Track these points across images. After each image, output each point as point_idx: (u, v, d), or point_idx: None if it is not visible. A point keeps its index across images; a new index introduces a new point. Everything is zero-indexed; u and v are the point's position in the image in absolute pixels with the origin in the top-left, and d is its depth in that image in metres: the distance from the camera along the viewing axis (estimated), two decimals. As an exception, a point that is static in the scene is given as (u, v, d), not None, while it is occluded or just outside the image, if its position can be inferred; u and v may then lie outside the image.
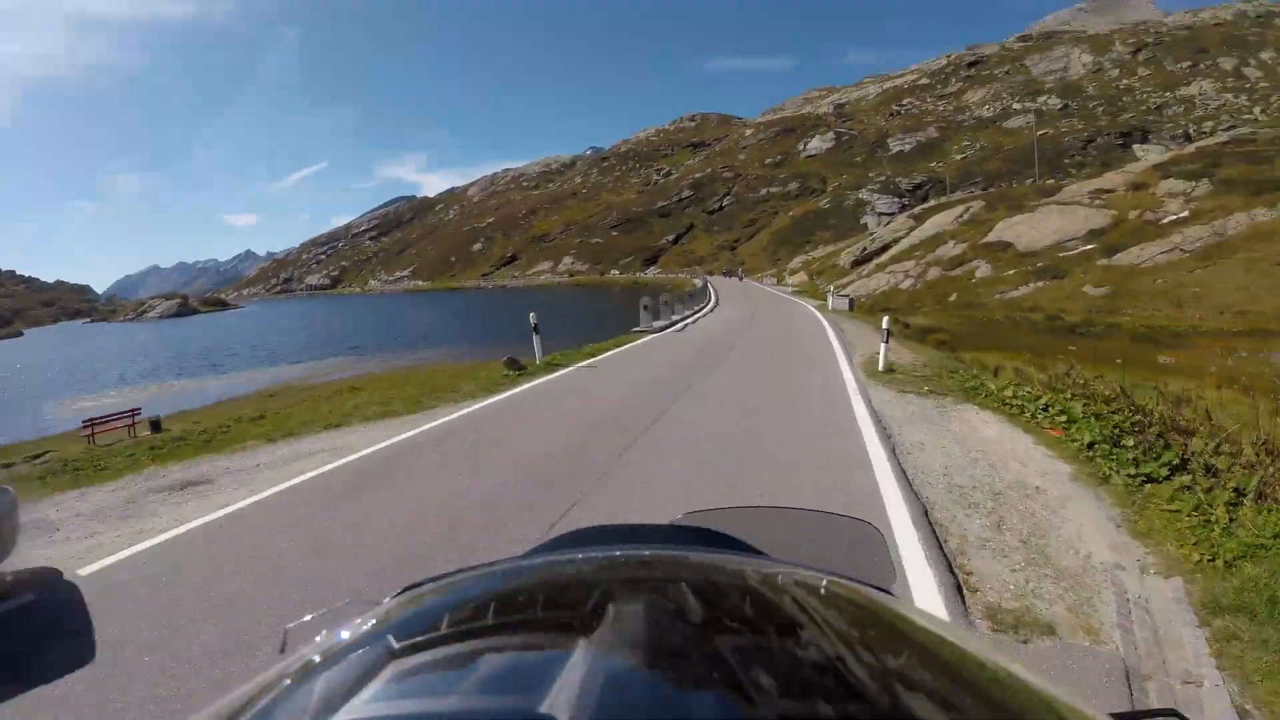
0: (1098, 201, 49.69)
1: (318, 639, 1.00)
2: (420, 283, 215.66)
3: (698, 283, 53.34)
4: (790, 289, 61.25)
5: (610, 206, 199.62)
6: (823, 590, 1.09)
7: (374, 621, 1.01)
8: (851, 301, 39.35)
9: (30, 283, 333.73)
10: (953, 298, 44.07)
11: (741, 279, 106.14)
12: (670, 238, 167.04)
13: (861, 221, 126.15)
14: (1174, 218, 43.33)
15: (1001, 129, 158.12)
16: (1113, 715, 0.94)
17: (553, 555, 1.31)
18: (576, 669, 0.74)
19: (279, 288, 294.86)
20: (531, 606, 1.06)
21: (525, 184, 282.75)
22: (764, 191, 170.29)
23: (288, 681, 0.85)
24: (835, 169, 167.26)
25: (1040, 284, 42.29)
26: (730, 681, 0.75)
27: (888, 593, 1.18)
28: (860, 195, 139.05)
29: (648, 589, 1.07)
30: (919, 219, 62.43)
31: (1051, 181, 78.87)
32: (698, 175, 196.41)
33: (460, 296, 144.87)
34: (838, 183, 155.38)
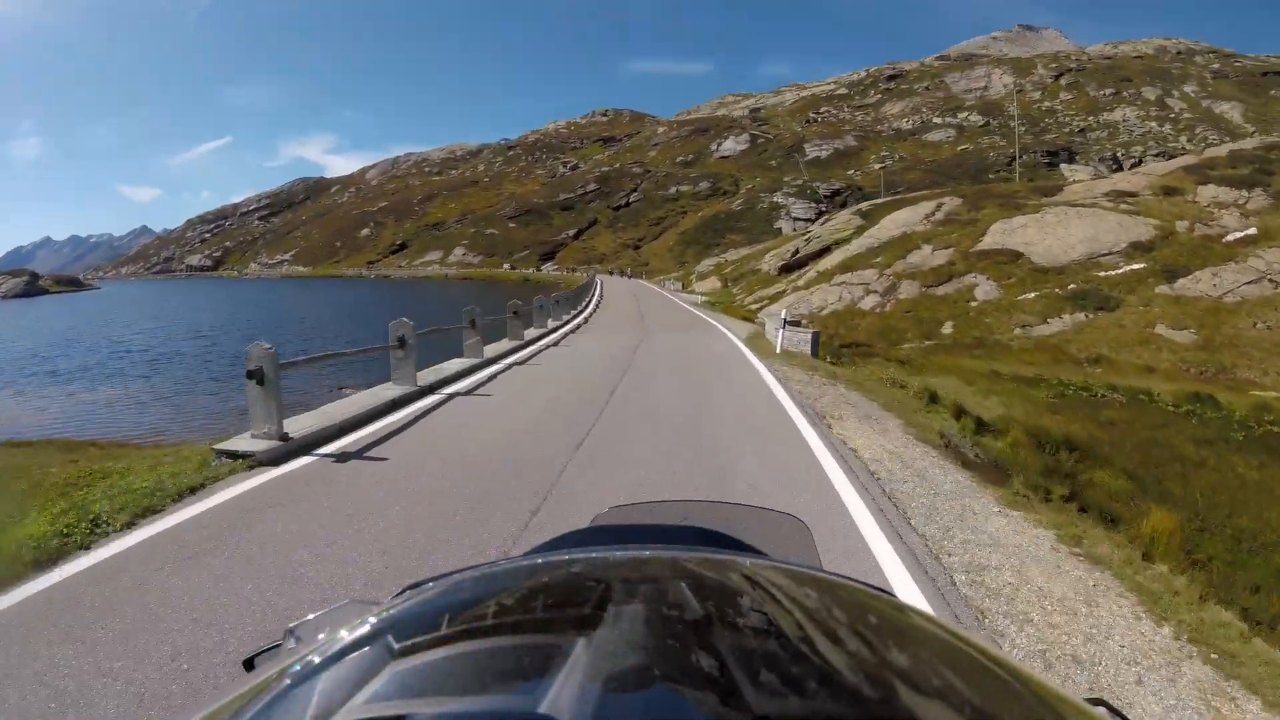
0: (1124, 205, 37.15)
1: (318, 639, 1.01)
2: (301, 268, 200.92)
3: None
4: (700, 298, 48.78)
5: (512, 197, 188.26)
6: (823, 590, 1.11)
7: (374, 621, 1.01)
8: (816, 339, 20.47)
9: None
10: (948, 328, 30.90)
11: (629, 276, 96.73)
12: (571, 233, 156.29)
13: (776, 226, 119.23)
14: (1239, 235, 32.45)
15: (921, 141, 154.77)
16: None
17: (553, 555, 1.32)
18: (576, 669, 0.74)
19: (159, 267, 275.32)
20: (531, 606, 1.06)
21: (428, 169, 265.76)
22: (673, 190, 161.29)
23: (288, 681, 0.85)
24: (749, 171, 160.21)
25: (1082, 316, 29.19)
26: (730, 681, 0.75)
27: (888, 593, 1.19)
28: (775, 199, 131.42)
29: (648, 589, 1.08)
30: (868, 217, 48.66)
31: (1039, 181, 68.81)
32: (605, 169, 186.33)
33: (331, 286, 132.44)
34: (751, 185, 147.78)
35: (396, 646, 0.88)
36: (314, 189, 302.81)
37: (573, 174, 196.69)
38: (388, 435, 9.42)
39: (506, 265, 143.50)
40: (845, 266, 39.68)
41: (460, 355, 16.45)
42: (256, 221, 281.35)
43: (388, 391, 12.10)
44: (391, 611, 1.05)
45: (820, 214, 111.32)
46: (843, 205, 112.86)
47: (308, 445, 8.61)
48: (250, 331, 45.55)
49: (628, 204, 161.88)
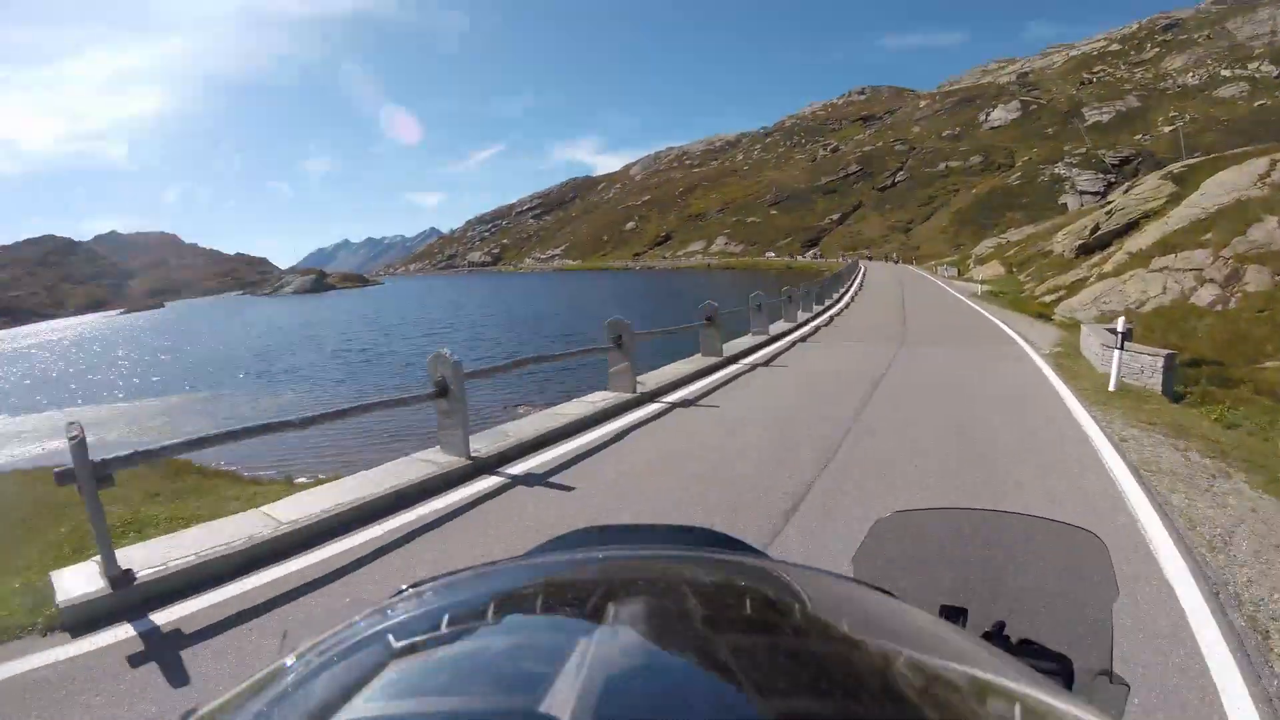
0: None
1: (318, 639, 0.99)
2: (570, 262, 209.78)
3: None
4: (979, 287, 39.67)
5: (771, 184, 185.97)
6: (824, 589, 1.11)
7: (374, 621, 1.00)
8: (1170, 368, 13.24)
9: (211, 255, 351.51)
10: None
11: (895, 262, 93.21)
12: (835, 217, 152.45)
13: (1060, 201, 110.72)
14: None
15: (1211, 98, 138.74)
16: None
17: (553, 555, 1.32)
18: (577, 669, 0.74)
19: (443, 264, 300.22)
20: (532, 606, 1.06)
21: (688, 162, 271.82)
22: (942, 166, 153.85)
23: (288, 681, 0.85)
24: (1023, 141, 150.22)
25: None
26: (731, 682, 0.75)
27: (888, 593, 1.19)
28: (1056, 170, 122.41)
29: (648, 589, 1.07)
30: (1182, 181, 41.30)
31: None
32: (867, 149, 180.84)
33: (598, 278, 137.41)
34: (1027, 156, 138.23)
35: (396, 646, 0.88)
36: (581, 187, 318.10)
37: (833, 156, 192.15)
38: (576, 459, 8.58)
39: (769, 253, 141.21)
40: (1165, 246, 28.02)
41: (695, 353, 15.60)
42: (530, 219, 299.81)
43: (593, 402, 11.11)
44: (391, 611, 1.04)
45: (1109, 185, 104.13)
46: (1134, 174, 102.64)
47: (491, 464, 8.33)
48: (475, 332, 47.93)
49: (893, 184, 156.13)
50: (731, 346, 16.81)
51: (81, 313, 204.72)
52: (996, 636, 1.14)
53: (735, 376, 14.15)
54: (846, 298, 35.42)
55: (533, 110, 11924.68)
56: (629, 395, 11.57)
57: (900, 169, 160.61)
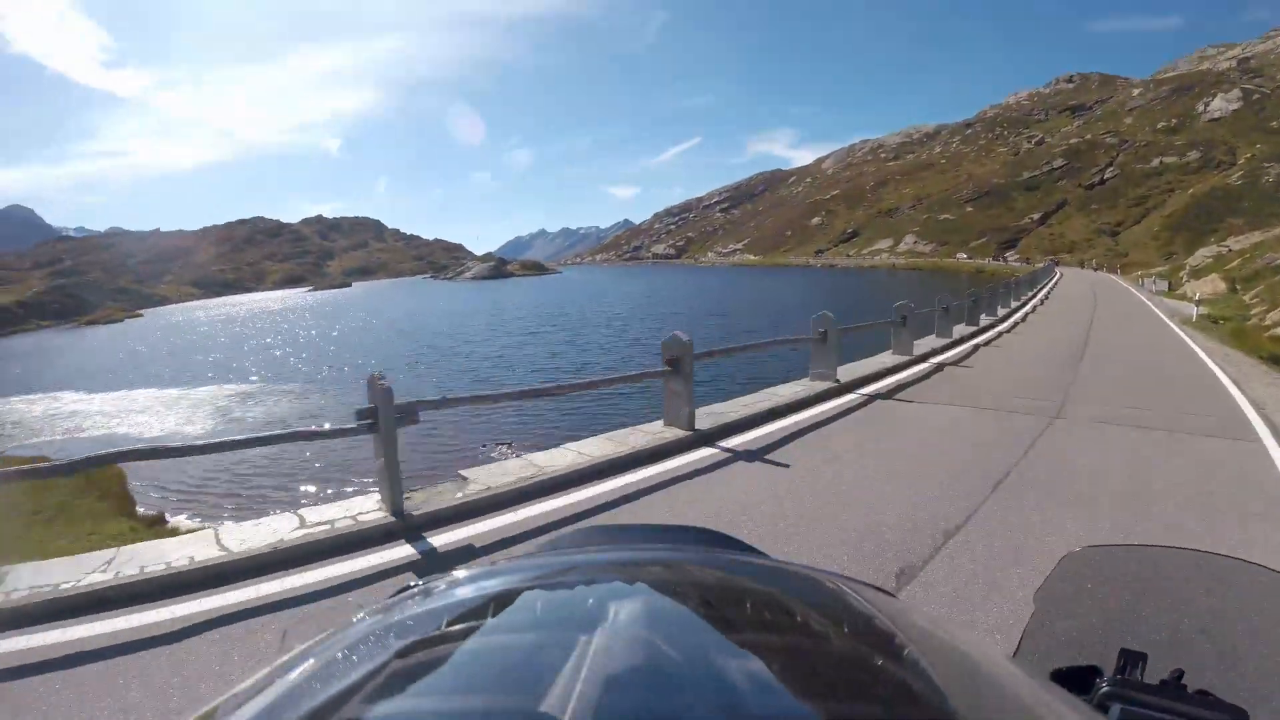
0: None
1: (318, 638, 0.99)
2: (751, 257, 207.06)
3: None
4: (1195, 309, 32.09)
5: (970, 178, 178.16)
6: (823, 591, 1.11)
7: (374, 620, 1.01)
8: None
9: (410, 239, 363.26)
10: None
11: (1096, 269, 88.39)
12: (1035, 216, 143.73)
13: None
14: None
15: None
16: None
17: (553, 555, 1.32)
18: (576, 669, 0.74)
19: (628, 255, 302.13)
20: (531, 606, 1.05)
21: (883, 155, 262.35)
22: (1156, 162, 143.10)
23: (287, 681, 0.84)
24: (1245, 135, 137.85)
25: None
26: (730, 681, 0.75)
27: (888, 593, 1.19)
28: None
29: (648, 589, 1.07)
30: None
31: None
32: (1073, 141, 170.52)
33: (770, 275, 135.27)
34: (1250, 153, 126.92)
35: (397, 645, 0.88)
36: (771, 180, 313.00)
37: (1037, 149, 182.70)
38: (787, 437, 9.65)
39: (961, 254, 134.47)
40: None
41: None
42: (718, 213, 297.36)
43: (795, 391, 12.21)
44: (391, 611, 1.04)
45: None
46: None
47: (713, 436, 9.46)
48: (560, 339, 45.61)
49: (1102, 181, 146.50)
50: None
51: (279, 288, 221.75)
52: (1172, 685, 1.09)
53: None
54: (1015, 317, 28.69)
55: (726, 104, 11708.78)
56: (830, 384, 12.67)
57: (1110, 164, 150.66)
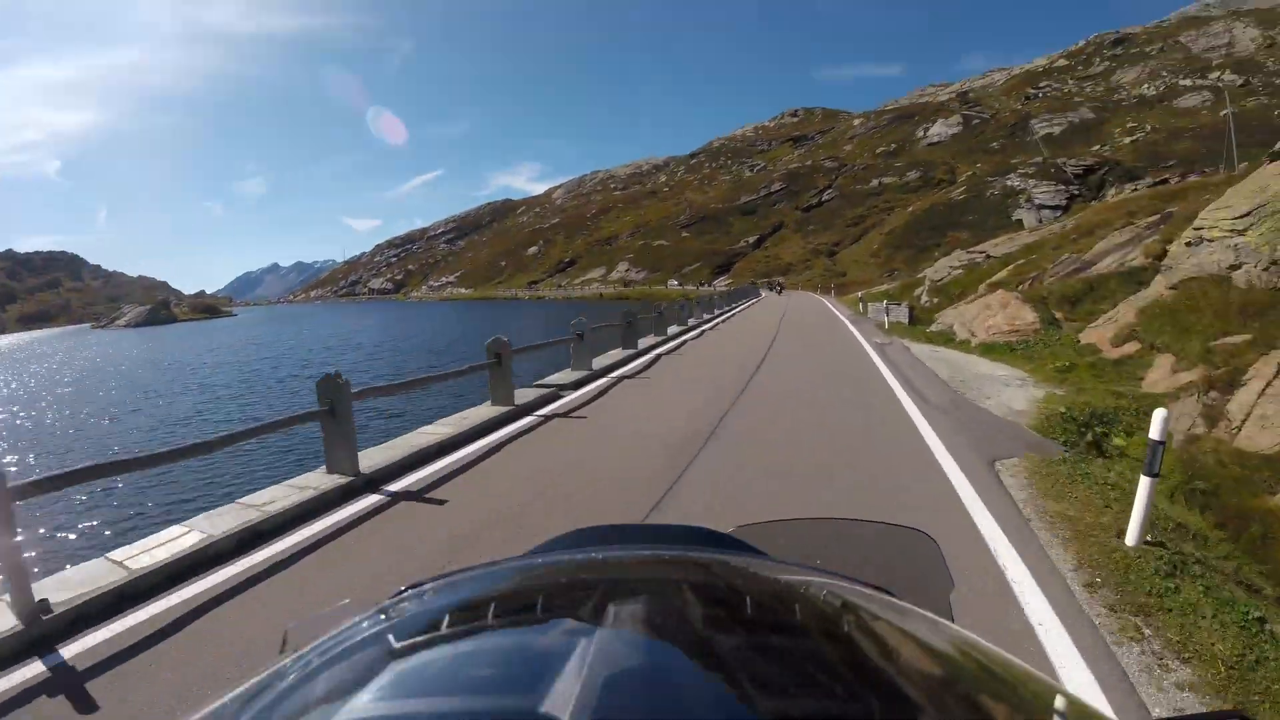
0: None
1: (318, 639, 0.99)
2: (462, 290, 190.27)
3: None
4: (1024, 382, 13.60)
5: (689, 205, 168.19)
6: (822, 590, 1.10)
7: (374, 621, 1.01)
8: None
9: (111, 277, 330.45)
10: None
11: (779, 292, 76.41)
12: (751, 239, 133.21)
13: (1014, 217, 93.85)
14: None
15: (1171, 108, 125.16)
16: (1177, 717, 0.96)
17: (553, 555, 1.32)
18: (576, 669, 0.74)
19: (343, 290, 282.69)
20: (531, 606, 1.05)
21: (613, 186, 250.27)
22: (875, 183, 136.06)
23: (288, 681, 0.84)
24: (965, 157, 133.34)
25: None
26: (729, 681, 0.75)
27: (888, 593, 1.20)
28: (1008, 182, 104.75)
29: (647, 589, 1.07)
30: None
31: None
32: (793, 166, 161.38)
33: (469, 310, 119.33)
34: (970, 172, 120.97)
35: (396, 646, 0.87)
36: (500, 211, 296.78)
37: (756, 176, 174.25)
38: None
39: (673, 281, 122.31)
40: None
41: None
42: (443, 245, 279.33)
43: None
44: (391, 612, 1.03)
45: (1071, 198, 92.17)
46: (1099, 187, 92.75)
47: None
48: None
49: (819, 203, 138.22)
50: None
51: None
52: None
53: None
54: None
55: (470, 137, 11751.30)
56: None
57: (828, 187, 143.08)
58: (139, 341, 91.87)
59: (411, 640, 0.90)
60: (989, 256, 36.37)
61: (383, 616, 1.02)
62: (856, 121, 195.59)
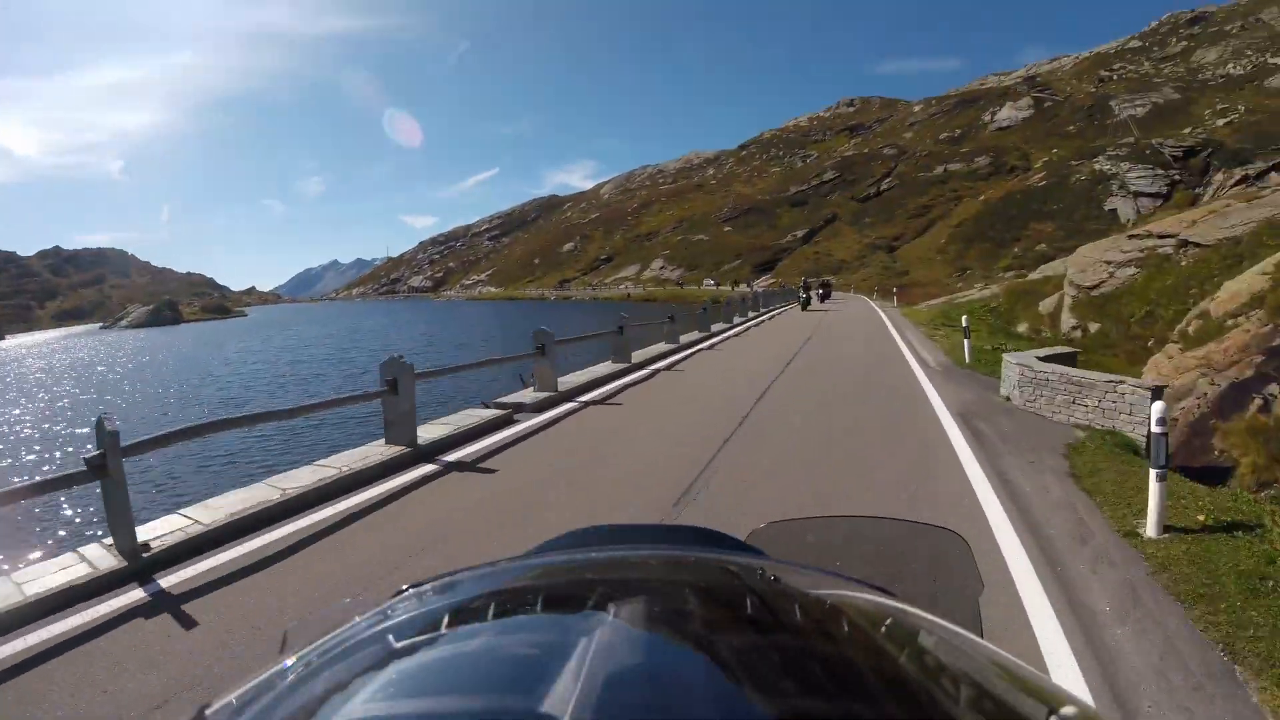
0: None
1: (318, 639, 1.00)
2: (492, 289, 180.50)
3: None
4: None
5: (734, 198, 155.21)
6: (823, 590, 1.11)
7: (374, 621, 1.01)
8: None
9: (158, 273, 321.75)
10: None
11: (822, 297, 49.97)
12: (800, 233, 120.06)
13: (1107, 207, 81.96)
14: None
15: (1264, 88, 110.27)
16: None
17: (553, 555, 1.32)
18: (576, 669, 0.74)
19: (385, 288, 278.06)
20: (531, 606, 1.06)
21: (661, 180, 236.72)
22: (940, 169, 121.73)
23: (288, 681, 0.85)
24: (1040, 142, 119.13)
25: None
26: (730, 682, 0.75)
27: (888, 593, 1.20)
28: (1097, 166, 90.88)
29: (648, 589, 1.08)
30: None
31: None
32: (848, 154, 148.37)
33: (474, 310, 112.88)
34: (1046, 157, 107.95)
35: (396, 646, 0.88)
36: (546, 207, 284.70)
37: (807, 165, 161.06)
38: None
39: (709, 281, 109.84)
40: None
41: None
42: (486, 241, 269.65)
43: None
44: (391, 611, 1.04)
45: (1173, 183, 79.68)
46: (1203, 171, 80.00)
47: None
48: None
49: (878, 192, 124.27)
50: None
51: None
52: None
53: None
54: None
55: (527, 134, 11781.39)
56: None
57: (887, 175, 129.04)
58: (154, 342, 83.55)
59: (412, 640, 0.90)
60: (1186, 243, 22.35)
61: (383, 616, 1.01)
62: (917, 108, 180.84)
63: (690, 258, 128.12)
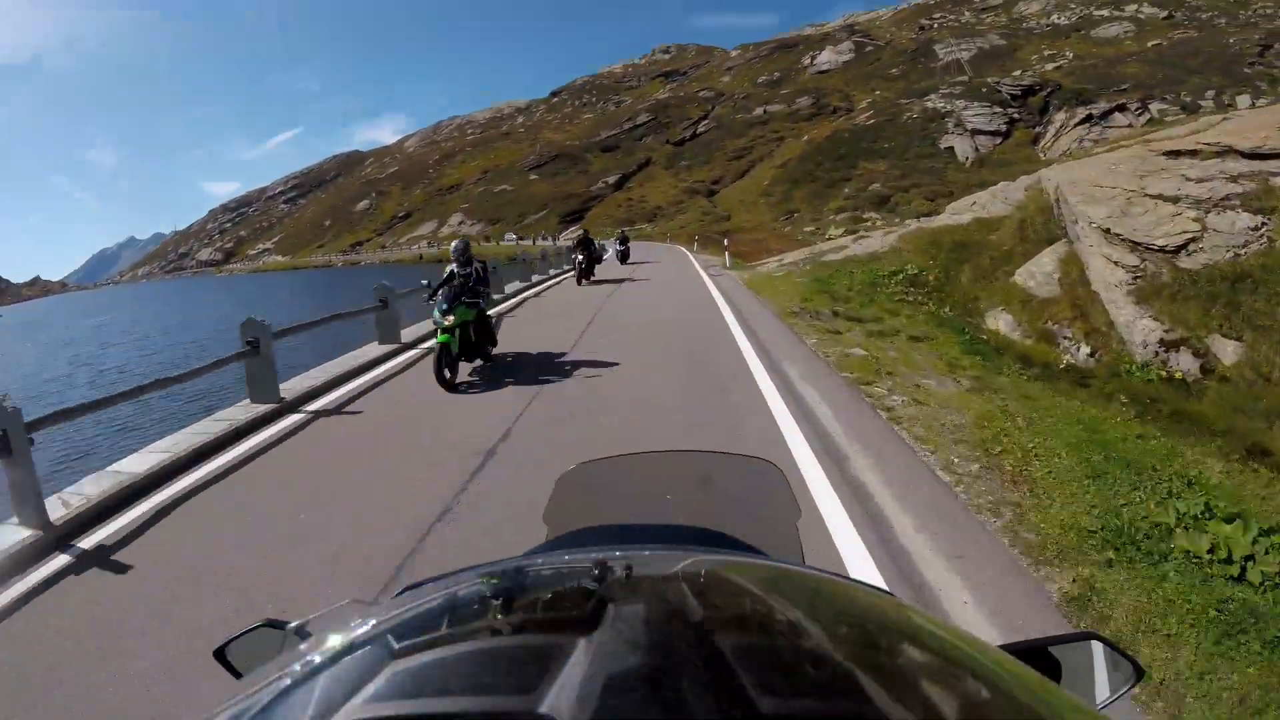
0: None
1: (318, 639, 1.01)
2: (280, 258, 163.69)
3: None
4: None
5: (542, 145, 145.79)
6: (822, 590, 1.12)
7: (374, 621, 1.01)
8: None
9: None
10: None
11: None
12: (612, 179, 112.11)
13: (943, 145, 78.09)
14: None
15: (1088, 37, 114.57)
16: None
17: (553, 555, 1.33)
18: (576, 669, 0.75)
19: (171, 265, 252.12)
20: (531, 606, 1.06)
21: (470, 131, 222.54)
22: (760, 110, 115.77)
23: (288, 681, 0.85)
24: (863, 84, 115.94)
25: None
26: (730, 682, 0.75)
27: (888, 593, 1.19)
28: (930, 104, 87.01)
29: (648, 589, 1.08)
30: None
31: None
32: (663, 98, 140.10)
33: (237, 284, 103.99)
34: (871, 99, 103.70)
35: (396, 646, 0.88)
36: (348, 164, 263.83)
37: (620, 110, 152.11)
38: None
39: (511, 235, 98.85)
40: None
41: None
42: (282, 205, 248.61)
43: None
44: (391, 611, 1.04)
45: (1012, 121, 78.36)
46: (1043, 110, 79.32)
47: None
48: None
49: (694, 135, 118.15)
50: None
51: None
52: None
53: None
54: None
55: (333, 89, 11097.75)
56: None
57: (704, 117, 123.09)
58: None
59: (411, 640, 0.90)
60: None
61: (383, 616, 1.02)
62: (734, 53, 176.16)
63: (493, 210, 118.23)
